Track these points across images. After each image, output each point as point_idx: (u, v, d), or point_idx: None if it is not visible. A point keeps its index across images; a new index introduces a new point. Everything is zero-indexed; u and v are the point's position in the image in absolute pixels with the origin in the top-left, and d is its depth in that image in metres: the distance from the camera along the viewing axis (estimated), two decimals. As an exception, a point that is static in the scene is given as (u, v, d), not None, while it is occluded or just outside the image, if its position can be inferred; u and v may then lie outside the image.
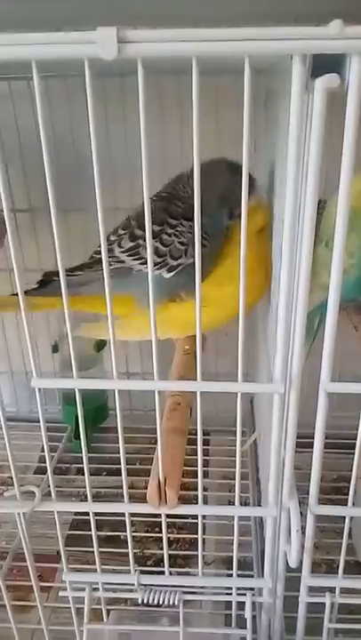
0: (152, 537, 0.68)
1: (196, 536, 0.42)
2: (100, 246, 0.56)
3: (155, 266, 0.50)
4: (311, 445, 0.38)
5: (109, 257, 0.52)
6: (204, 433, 0.88)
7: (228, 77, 0.61)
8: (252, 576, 0.58)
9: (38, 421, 0.40)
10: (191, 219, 0.49)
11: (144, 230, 0.52)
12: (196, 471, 0.39)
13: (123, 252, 0.51)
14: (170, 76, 0.63)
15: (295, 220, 0.32)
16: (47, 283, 0.54)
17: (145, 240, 0.51)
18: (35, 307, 0.51)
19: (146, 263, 0.49)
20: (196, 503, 0.41)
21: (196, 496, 0.41)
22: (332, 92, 0.28)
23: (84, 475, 0.40)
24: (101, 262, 0.48)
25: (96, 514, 0.42)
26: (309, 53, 0.28)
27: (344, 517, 0.42)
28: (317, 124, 0.29)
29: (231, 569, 0.45)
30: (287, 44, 0.27)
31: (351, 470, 0.60)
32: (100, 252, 0.54)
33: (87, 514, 0.42)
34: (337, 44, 0.27)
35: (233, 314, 0.45)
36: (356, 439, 0.65)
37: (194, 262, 0.48)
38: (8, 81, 0.70)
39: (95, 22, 0.68)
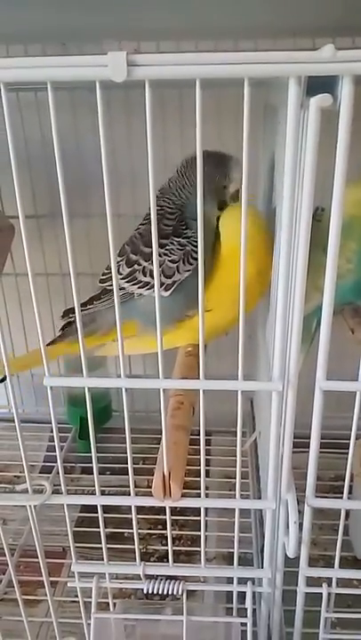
0: (155, 534, 0.70)
1: (198, 533, 0.44)
2: (103, 274, 0.59)
3: (150, 288, 0.52)
4: (308, 445, 0.40)
5: (110, 286, 0.54)
6: (207, 433, 0.89)
7: (230, 88, 0.64)
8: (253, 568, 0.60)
9: (44, 422, 0.42)
10: (181, 234, 0.51)
11: (137, 255, 0.54)
12: (198, 470, 0.41)
13: (122, 279, 0.53)
14: (172, 86, 0.66)
15: (292, 227, 0.34)
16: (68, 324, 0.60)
17: (139, 264, 0.53)
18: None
19: (144, 286, 0.52)
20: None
21: (199, 494, 0.43)
22: (326, 110, 0.31)
23: (88, 474, 0.42)
24: (108, 292, 0.50)
25: (102, 511, 0.44)
26: (304, 75, 0.30)
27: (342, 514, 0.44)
28: (312, 140, 0.31)
29: (232, 564, 0.47)
30: (283, 67, 0.29)
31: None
32: (104, 281, 0.57)
33: (92, 511, 0.44)
34: (329, 66, 0.29)
35: (234, 320, 0.46)
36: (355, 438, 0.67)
37: (188, 278, 0.50)
38: (16, 91, 0.72)
39: (99, 36, 0.71)
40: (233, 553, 0.46)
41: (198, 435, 0.40)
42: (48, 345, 0.53)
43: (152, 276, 0.52)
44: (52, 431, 0.41)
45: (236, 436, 0.41)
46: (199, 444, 0.40)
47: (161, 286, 0.51)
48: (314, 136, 0.31)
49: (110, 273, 0.55)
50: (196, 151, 0.32)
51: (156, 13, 0.54)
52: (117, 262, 0.55)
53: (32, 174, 0.76)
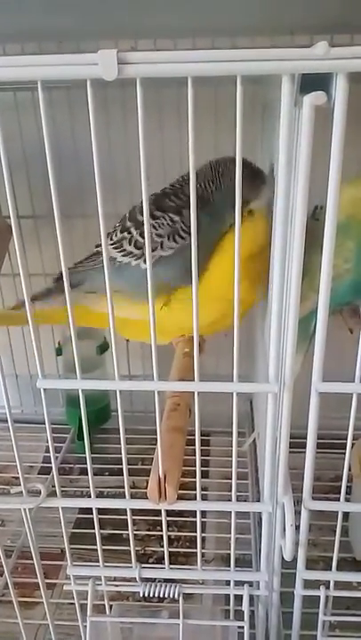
0: (153, 535, 0.70)
1: (196, 534, 0.44)
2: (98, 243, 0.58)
3: (133, 257, 0.52)
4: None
5: (100, 250, 0.53)
6: (205, 434, 0.89)
7: (227, 85, 0.63)
8: (250, 572, 0.60)
9: (42, 423, 0.41)
10: (182, 214, 0.51)
11: (132, 221, 0.54)
12: (194, 471, 0.41)
13: (111, 245, 0.54)
14: (169, 85, 0.65)
15: (286, 228, 0.34)
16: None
17: (129, 232, 0.53)
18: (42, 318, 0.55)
19: (127, 255, 0.52)
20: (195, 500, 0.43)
21: (195, 495, 0.43)
22: (320, 108, 0.30)
23: (86, 475, 0.41)
24: (98, 254, 0.49)
25: (99, 512, 0.43)
26: (297, 73, 0.29)
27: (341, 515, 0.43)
28: (306, 138, 0.31)
29: (230, 566, 0.46)
30: (276, 64, 0.28)
31: (348, 470, 0.62)
32: (98, 245, 0.56)
33: (91, 512, 0.44)
34: (323, 64, 0.28)
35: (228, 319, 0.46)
36: (354, 440, 0.67)
37: (173, 256, 0.50)
38: (13, 91, 0.72)
39: (96, 35, 0.70)
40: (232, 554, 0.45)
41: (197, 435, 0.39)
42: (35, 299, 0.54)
43: (137, 247, 0.52)
44: (51, 430, 0.41)
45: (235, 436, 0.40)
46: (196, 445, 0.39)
47: (141, 258, 0.51)
48: (308, 134, 0.31)
49: (107, 239, 0.55)
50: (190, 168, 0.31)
51: (153, 12, 0.53)
52: (114, 228, 0.56)
53: (29, 174, 0.76)
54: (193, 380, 0.37)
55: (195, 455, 0.40)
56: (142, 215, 0.51)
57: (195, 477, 0.42)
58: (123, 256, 0.53)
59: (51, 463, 0.41)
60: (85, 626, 0.48)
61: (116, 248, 0.54)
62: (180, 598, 0.44)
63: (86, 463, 0.40)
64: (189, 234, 0.46)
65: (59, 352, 0.79)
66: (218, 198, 0.52)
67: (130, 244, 0.53)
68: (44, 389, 0.39)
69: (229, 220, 0.51)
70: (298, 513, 0.41)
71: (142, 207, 0.33)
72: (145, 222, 0.33)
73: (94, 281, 0.57)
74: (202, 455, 0.40)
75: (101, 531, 0.65)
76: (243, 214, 0.54)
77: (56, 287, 0.62)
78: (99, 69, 0.29)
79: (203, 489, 0.49)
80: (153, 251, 0.50)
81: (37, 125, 0.33)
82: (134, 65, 0.29)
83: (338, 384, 0.37)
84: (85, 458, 0.40)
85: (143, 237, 0.51)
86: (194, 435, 0.40)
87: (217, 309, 0.46)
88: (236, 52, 0.28)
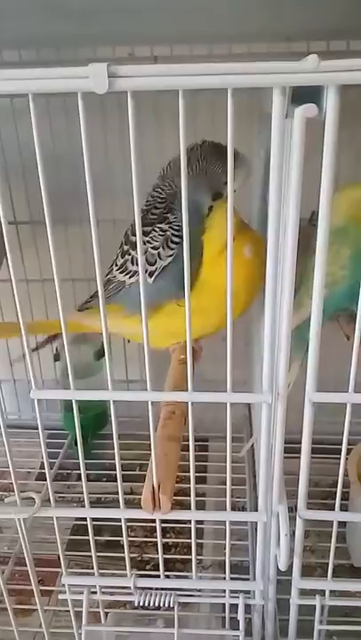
0: (151, 542, 0.70)
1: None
2: (109, 267, 0.60)
3: (135, 275, 0.53)
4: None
5: (110, 277, 0.56)
6: (203, 440, 0.89)
7: (226, 94, 0.63)
8: (248, 579, 0.60)
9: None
10: (164, 219, 0.51)
11: (128, 245, 0.55)
12: (195, 478, 0.40)
13: (117, 269, 0.55)
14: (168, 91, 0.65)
15: (278, 238, 0.33)
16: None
17: (129, 254, 0.54)
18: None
19: (134, 275, 0.52)
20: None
21: (194, 502, 0.42)
22: (312, 120, 0.30)
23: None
24: (109, 282, 0.51)
25: (97, 519, 0.44)
26: (288, 86, 0.29)
27: (338, 521, 0.43)
28: (297, 149, 0.31)
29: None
30: (267, 77, 0.28)
31: (347, 475, 0.61)
32: (108, 273, 0.58)
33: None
34: (313, 77, 0.28)
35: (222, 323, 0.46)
36: (352, 445, 0.67)
37: (171, 264, 0.50)
38: (10, 97, 0.72)
39: (94, 41, 0.70)
40: (229, 561, 0.45)
41: (194, 442, 0.39)
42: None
43: (136, 265, 0.52)
44: (47, 438, 0.41)
45: (233, 441, 0.40)
46: (195, 452, 0.39)
47: (145, 273, 0.51)
48: (299, 146, 0.31)
49: (112, 266, 0.57)
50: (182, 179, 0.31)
51: (150, 18, 0.53)
52: (117, 253, 0.57)
53: (26, 181, 0.76)
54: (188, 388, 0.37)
55: (193, 461, 0.40)
56: (134, 235, 0.53)
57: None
58: (130, 277, 0.54)
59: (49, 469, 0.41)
60: (80, 633, 0.48)
61: (122, 272, 0.54)
62: (176, 607, 0.44)
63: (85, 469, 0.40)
64: (179, 236, 0.46)
65: (56, 358, 0.79)
66: (191, 187, 0.52)
67: (133, 265, 0.54)
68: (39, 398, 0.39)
69: (207, 204, 0.53)
70: (294, 519, 0.41)
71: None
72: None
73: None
74: (200, 461, 0.40)
75: (99, 537, 0.65)
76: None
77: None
78: (89, 83, 0.29)
79: (201, 495, 0.49)
80: (153, 264, 0.51)
81: (35, 131, 0.33)
82: (125, 78, 0.29)
83: (332, 394, 0.37)
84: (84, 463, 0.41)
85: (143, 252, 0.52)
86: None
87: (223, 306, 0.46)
88: (227, 66, 0.28)
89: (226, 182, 0.53)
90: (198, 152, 0.54)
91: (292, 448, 0.41)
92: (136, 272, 0.53)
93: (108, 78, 0.28)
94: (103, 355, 0.81)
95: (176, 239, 0.51)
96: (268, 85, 0.29)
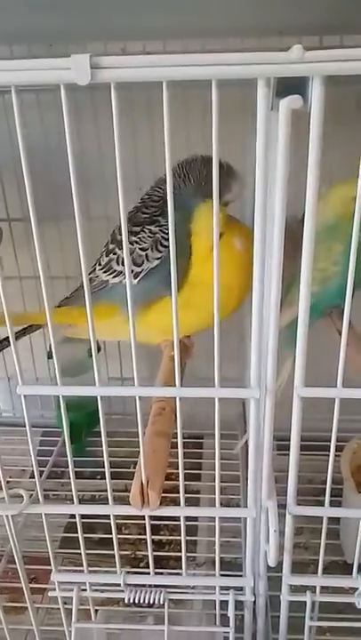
0: (145, 539, 0.69)
1: (189, 537, 0.44)
2: (92, 265, 0.60)
3: (119, 275, 0.53)
4: (301, 448, 0.39)
5: (93, 276, 0.56)
6: (198, 437, 0.88)
7: (220, 87, 0.63)
8: (241, 576, 0.60)
9: (36, 426, 0.41)
10: (154, 222, 0.51)
11: (114, 243, 0.55)
12: (189, 475, 0.40)
13: (100, 269, 0.55)
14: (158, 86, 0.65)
15: (264, 233, 0.33)
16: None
17: (115, 253, 0.54)
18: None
19: (117, 276, 0.52)
20: (187, 505, 0.42)
21: (187, 498, 0.42)
22: (297, 111, 0.30)
23: (78, 478, 0.42)
24: (90, 280, 0.50)
25: (90, 517, 0.43)
26: (273, 77, 0.29)
27: (332, 518, 0.43)
28: (283, 141, 0.30)
29: (222, 570, 0.46)
30: (251, 68, 0.28)
31: (339, 472, 0.61)
32: (91, 272, 0.58)
33: (82, 516, 0.43)
34: (298, 67, 0.28)
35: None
36: (345, 442, 0.66)
37: (159, 266, 0.50)
38: (2, 94, 0.71)
39: (86, 37, 0.70)
40: (223, 558, 0.45)
41: (187, 439, 0.39)
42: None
43: (122, 265, 0.52)
44: (42, 436, 0.41)
45: (229, 439, 0.40)
46: (189, 449, 0.39)
47: (131, 273, 0.51)
48: (285, 138, 0.30)
49: (95, 265, 0.57)
50: (166, 156, 0.31)
51: (142, 13, 0.53)
52: (101, 252, 0.56)
53: (18, 177, 0.76)
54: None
55: (187, 458, 0.40)
56: (121, 235, 0.53)
57: (187, 480, 0.42)
58: (114, 277, 0.54)
59: (43, 467, 0.41)
60: (70, 630, 0.47)
61: (106, 272, 0.54)
62: (166, 604, 0.44)
63: (77, 467, 0.40)
64: (168, 239, 0.45)
65: (49, 355, 0.79)
66: (185, 194, 0.52)
67: (118, 264, 0.54)
68: (26, 395, 0.39)
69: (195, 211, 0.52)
70: (283, 515, 0.41)
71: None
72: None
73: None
74: (194, 458, 0.40)
75: (92, 535, 0.65)
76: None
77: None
78: (72, 74, 0.29)
79: (195, 492, 0.49)
80: (140, 265, 0.51)
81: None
82: (108, 69, 0.29)
83: (320, 389, 0.37)
84: (76, 461, 0.41)
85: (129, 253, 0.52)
86: (186, 437, 0.40)
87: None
88: (211, 57, 0.28)
89: (224, 195, 0.53)
90: (200, 164, 0.54)
91: (286, 445, 0.40)
92: (121, 272, 0.53)
93: (90, 69, 0.28)
94: (98, 351, 0.82)
95: (165, 242, 0.51)
96: (252, 77, 0.29)
